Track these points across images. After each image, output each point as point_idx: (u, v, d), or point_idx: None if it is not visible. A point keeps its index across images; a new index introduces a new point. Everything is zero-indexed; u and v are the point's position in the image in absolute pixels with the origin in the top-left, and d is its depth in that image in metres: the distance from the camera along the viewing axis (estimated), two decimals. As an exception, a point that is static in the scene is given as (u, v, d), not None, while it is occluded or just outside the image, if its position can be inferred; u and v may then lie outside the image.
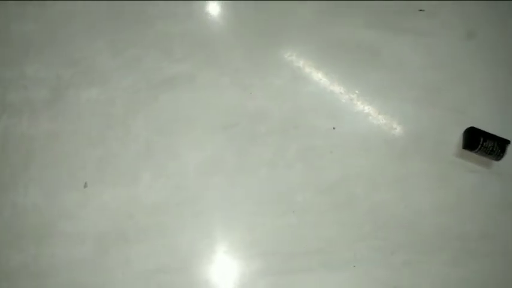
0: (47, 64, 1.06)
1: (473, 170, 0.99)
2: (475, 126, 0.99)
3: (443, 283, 0.89)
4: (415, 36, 1.12)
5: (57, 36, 1.10)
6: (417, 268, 0.90)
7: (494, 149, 0.95)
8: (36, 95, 1.03)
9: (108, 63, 1.06)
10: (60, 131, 0.99)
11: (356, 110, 1.04)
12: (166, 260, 0.88)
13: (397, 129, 1.02)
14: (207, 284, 0.87)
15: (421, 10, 1.14)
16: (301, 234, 0.92)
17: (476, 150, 0.96)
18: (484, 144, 0.95)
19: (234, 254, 0.90)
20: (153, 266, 0.88)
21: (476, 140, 0.95)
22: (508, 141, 0.95)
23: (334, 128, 1.01)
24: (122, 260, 0.88)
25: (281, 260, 0.90)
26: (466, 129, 1.00)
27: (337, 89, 1.06)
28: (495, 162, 0.98)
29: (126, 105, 1.02)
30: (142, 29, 1.11)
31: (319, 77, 1.07)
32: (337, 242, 0.92)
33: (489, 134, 0.97)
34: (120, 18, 1.12)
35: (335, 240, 0.92)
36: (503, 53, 1.10)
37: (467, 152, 0.99)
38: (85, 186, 0.93)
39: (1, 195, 0.94)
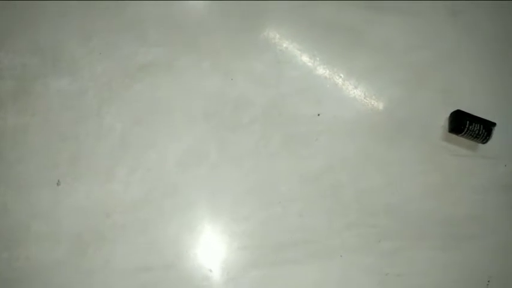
0: (11, 52, 0.98)
1: (460, 153, 0.98)
2: (462, 108, 0.98)
3: (433, 268, 0.89)
4: (400, 15, 1.08)
5: (21, 21, 1.02)
6: (406, 254, 0.90)
7: (480, 132, 0.94)
8: (1, 86, 0.96)
9: (78, 50, 0.99)
10: (28, 125, 0.93)
11: (341, 94, 1.01)
12: (149, 257, 0.85)
13: (383, 114, 1.00)
14: (193, 280, 0.85)
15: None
16: (287, 224, 0.90)
17: (462, 134, 0.95)
18: (470, 127, 0.93)
19: (220, 248, 0.88)
20: (135, 265, 0.84)
21: (462, 124, 0.94)
22: (493, 124, 0.94)
23: (318, 115, 0.98)
24: (101, 261, 0.84)
25: (268, 252, 0.88)
26: (452, 113, 0.99)
27: (321, 73, 1.02)
28: (481, 145, 0.97)
29: (99, 95, 0.96)
30: (114, 11, 1.04)
31: (303, 61, 1.03)
32: (324, 232, 0.90)
33: (475, 116, 0.95)
34: (90, 0, 1.04)
35: (321, 230, 0.90)
36: (489, 32, 1.08)
37: (453, 136, 0.98)
38: (58, 183, 0.88)
39: (-32, 195, 0.88)
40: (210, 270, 0.86)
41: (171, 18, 1.04)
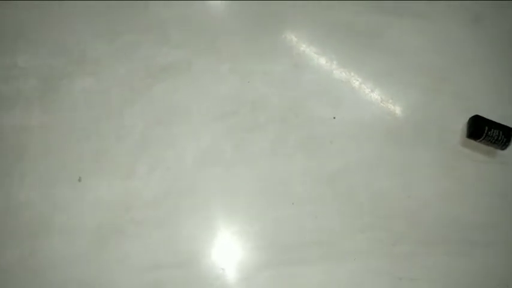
0: (38, 53, 1.03)
1: (478, 159, 0.97)
2: (480, 113, 0.97)
3: (447, 274, 0.88)
4: (418, 19, 1.08)
5: (47, 23, 1.06)
6: (421, 259, 0.89)
7: (499, 138, 0.92)
8: (28, 85, 0.99)
9: (101, 50, 1.03)
10: (53, 122, 0.96)
11: (357, 97, 1.01)
12: (165, 254, 0.87)
13: (400, 117, 1.00)
14: (207, 278, 0.86)
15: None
16: (301, 225, 0.91)
17: (480, 140, 0.94)
18: (489, 133, 0.92)
19: (234, 247, 0.89)
20: (152, 261, 0.86)
21: (480, 129, 0.93)
22: (513, 130, 0.93)
23: (334, 118, 0.99)
24: (119, 255, 0.86)
25: (281, 253, 0.88)
26: (471, 118, 0.98)
27: (338, 76, 1.03)
28: (500, 151, 0.96)
29: (122, 95, 0.99)
30: (137, 13, 1.07)
31: (320, 63, 1.03)
32: (338, 234, 0.90)
33: (494, 122, 0.94)
34: (113, 2, 1.08)
35: (335, 232, 0.90)
36: (509, 37, 1.07)
37: (471, 141, 0.97)
38: (79, 180, 0.91)
39: (-6, 190, 0.92)
40: (223, 269, 0.87)
41: (191, 20, 1.07)
